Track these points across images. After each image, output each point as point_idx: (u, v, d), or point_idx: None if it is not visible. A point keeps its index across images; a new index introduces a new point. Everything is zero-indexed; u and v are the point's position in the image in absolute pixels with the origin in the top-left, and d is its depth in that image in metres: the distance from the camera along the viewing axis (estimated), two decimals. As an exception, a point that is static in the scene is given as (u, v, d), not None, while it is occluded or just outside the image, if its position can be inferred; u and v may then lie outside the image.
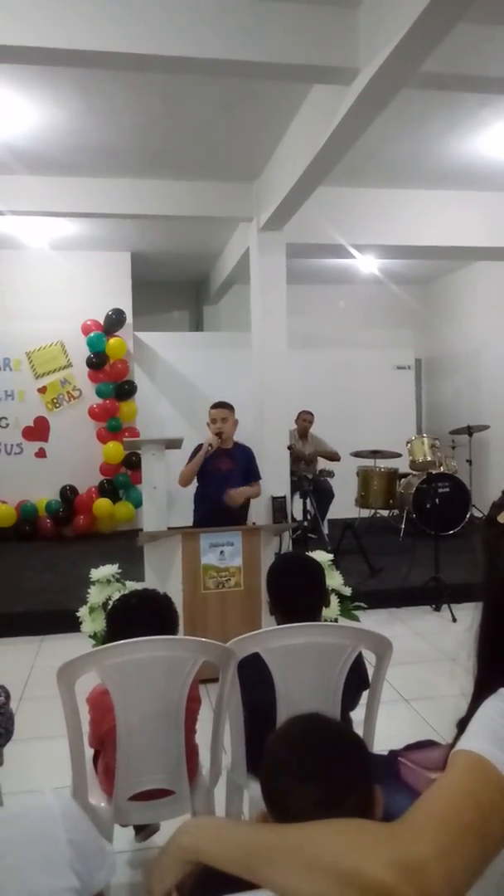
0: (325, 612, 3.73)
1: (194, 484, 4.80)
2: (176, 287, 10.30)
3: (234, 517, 4.69)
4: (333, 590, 4.22)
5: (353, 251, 6.77)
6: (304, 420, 7.50)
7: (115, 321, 8.20)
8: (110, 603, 3.72)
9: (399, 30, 3.13)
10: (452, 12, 2.95)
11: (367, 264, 8.52)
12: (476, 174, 6.02)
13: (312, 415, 7.57)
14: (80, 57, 3.52)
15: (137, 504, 7.83)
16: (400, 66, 3.38)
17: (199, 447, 4.71)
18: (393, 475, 7.74)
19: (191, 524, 4.76)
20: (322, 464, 7.55)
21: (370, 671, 2.28)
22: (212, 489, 4.70)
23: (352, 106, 3.82)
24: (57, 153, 5.42)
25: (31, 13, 3.37)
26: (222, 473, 4.68)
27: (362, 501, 7.79)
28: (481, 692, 0.95)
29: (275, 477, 5.94)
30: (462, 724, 0.91)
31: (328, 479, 7.36)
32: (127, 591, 3.72)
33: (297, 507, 6.63)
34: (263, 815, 1.11)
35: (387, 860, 0.74)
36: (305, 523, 6.26)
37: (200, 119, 4.95)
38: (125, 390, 8.28)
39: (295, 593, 2.30)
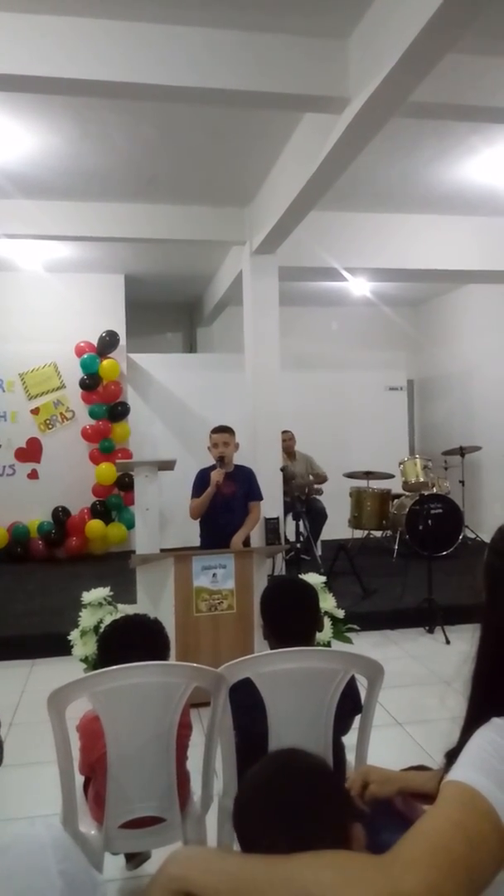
0: (318, 635, 3.71)
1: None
2: (169, 309, 10.35)
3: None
4: (326, 612, 4.20)
5: (345, 274, 6.85)
6: (285, 440, 7.42)
7: (108, 343, 8.23)
8: (102, 626, 3.71)
9: (389, 60, 3.19)
10: (442, 43, 3.02)
11: (359, 287, 8.60)
12: (466, 199, 6.11)
13: (291, 432, 7.52)
14: (76, 86, 3.58)
15: (130, 525, 7.82)
16: (390, 95, 3.45)
17: (202, 473, 4.73)
18: (386, 496, 7.74)
19: (183, 546, 4.74)
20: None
21: (362, 695, 2.28)
22: (217, 513, 4.70)
23: (343, 134, 3.89)
24: (51, 178, 5.48)
25: (31, 43, 3.42)
26: (225, 497, 4.67)
27: (355, 522, 7.79)
28: (473, 721, 0.95)
29: (268, 498, 5.92)
30: (450, 755, 0.91)
31: (318, 496, 7.35)
32: (119, 615, 3.72)
33: (290, 529, 6.62)
34: None
35: (375, 895, 0.74)
36: (298, 545, 6.25)
37: (194, 145, 5.01)
38: (118, 412, 8.29)
39: (288, 619, 2.29)
